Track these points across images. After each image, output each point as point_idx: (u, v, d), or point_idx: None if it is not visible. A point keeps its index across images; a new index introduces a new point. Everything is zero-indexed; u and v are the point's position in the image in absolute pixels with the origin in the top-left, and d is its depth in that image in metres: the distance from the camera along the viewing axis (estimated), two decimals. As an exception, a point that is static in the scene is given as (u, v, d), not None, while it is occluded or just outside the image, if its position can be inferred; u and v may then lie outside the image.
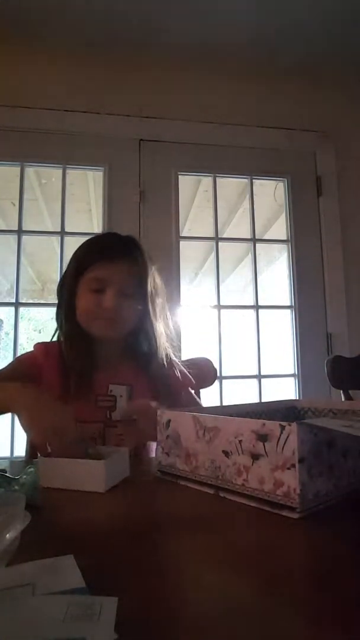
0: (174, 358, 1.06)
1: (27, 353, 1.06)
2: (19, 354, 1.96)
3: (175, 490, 0.64)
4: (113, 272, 0.95)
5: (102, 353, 1.00)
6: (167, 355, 1.04)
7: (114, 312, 0.94)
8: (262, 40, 2.06)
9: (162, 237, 2.07)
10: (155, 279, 1.03)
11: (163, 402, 0.88)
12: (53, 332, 1.06)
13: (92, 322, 0.96)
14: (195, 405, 1.03)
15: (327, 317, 2.15)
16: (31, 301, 4.84)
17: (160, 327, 1.03)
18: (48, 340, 1.05)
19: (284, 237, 2.24)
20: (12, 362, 1.08)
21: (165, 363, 1.03)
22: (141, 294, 0.98)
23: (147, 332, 1.00)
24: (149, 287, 0.99)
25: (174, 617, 0.31)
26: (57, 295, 1.04)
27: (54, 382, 0.97)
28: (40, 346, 1.04)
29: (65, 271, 1.03)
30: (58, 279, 2.19)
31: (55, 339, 1.05)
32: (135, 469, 0.77)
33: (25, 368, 1.00)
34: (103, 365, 1.00)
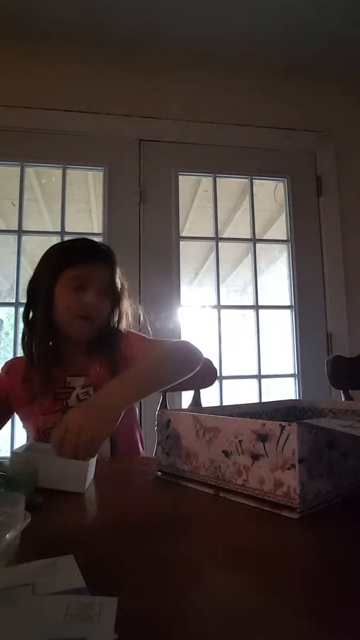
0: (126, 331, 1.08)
1: None
2: (19, 354, 1.97)
3: (175, 490, 0.64)
4: (94, 272, 0.98)
5: (68, 352, 1.03)
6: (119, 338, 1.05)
7: (94, 310, 0.97)
8: (262, 41, 2.06)
9: (162, 237, 2.07)
10: (124, 283, 1.08)
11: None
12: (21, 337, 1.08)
13: (72, 320, 0.98)
14: (148, 346, 1.03)
15: (327, 317, 2.14)
16: (31, 301, 4.83)
17: (123, 326, 1.06)
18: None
19: (284, 237, 2.24)
20: None
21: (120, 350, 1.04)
22: (115, 296, 1.03)
23: (112, 332, 1.03)
24: (119, 290, 1.04)
25: (173, 617, 0.31)
26: (27, 297, 1.04)
27: (17, 392, 1.02)
28: (4, 366, 1.10)
29: (37, 274, 1.03)
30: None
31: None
32: (136, 469, 0.77)
33: None
34: (65, 364, 1.03)
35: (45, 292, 0.99)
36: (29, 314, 1.03)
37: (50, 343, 1.01)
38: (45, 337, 1.00)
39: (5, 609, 0.31)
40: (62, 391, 1.01)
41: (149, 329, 1.18)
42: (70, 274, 0.97)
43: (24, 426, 1.08)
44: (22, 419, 1.08)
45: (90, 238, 1.10)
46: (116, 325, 1.05)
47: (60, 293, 0.98)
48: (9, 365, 1.10)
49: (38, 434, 1.00)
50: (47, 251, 1.05)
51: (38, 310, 1.01)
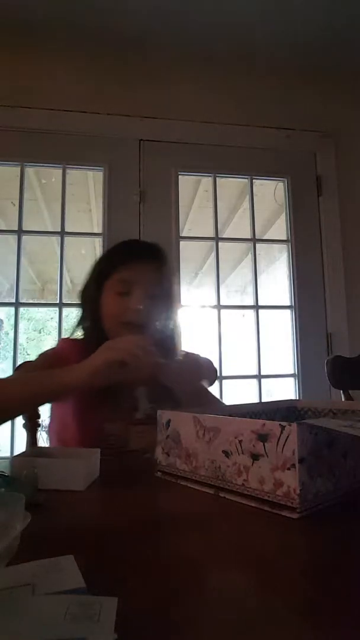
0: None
1: (52, 349, 1.05)
2: (19, 353, 1.97)
3: (175, 490, 0.63)
4: (139, 274, 0.94)
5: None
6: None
7: (140, 315, 0.92)
8: (262, 41, 2.06)
9: (162, 237, 2.06)
10: (176, 286, 1.06)
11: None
12: (59, 332, 1.06)
13: (117, 327, 0.94)
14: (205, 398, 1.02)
15: (327, 317, 2.15)
16: (31, 301, 4.84)
17: (180, 331, 1.04)
18: (46, 339, 1.06)
19: (284, 237, 2.24)
20: (37, 359, 1.05)
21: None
22: (166, 297, 0.98)
23: (172, 336, 1.00)
24: (174, 292, 1.02)
25: (173, 617, 0.31)
26: (80, 301, 1.02)
27: None
28: (67, 342, 1.03)
29: (89, 277, 1.02)
30: (58, 279, 2.19)
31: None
32: (136, 469, 0.77)
33: (54, 362, 0.97)
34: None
35: (93, 299, 0.97)
36: (83, 321, 1.01)
37: None
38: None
39: (5, 609, 0.31)
40: (127, 399, 0.96)
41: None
42: (115, 279, 0.94)
43: (51, 416, 1.03)
44: (60, 407, 1.02)
45: (139, 239, 1.05)
46: (171, 334, 1.00)
47: (105, 300, 0.95)
48: (74, 344, 1.02)
49: (98, 434, 0.95)
50: (101, 254, 1.04)
51: (89, 319, 0.98)
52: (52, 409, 1.08)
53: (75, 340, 1.04)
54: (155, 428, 0.96)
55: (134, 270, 0.94)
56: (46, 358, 1.02)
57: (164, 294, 0.97)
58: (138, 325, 0.93)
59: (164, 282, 0.97)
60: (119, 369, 0.77)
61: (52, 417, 1.07)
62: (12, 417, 1.02)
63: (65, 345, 1.03)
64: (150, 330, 0.97)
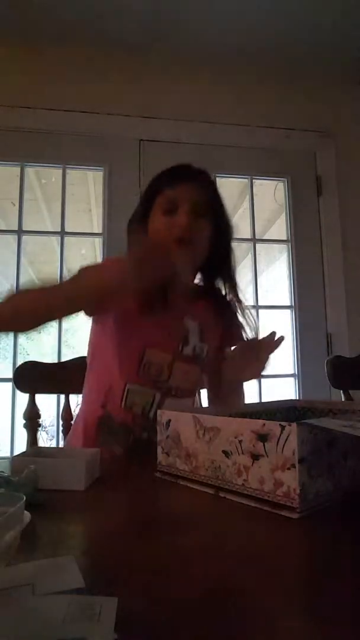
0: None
1: (96, 264, 1.00)
2: (18, 353, 1.97)
3: (175, 490, 0.63)
4: (184, 191, 0.93)
5: (175, 282, 0.94)
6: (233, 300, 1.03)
7: (186, 230, 0.90)
8: (262, 41, 2.06)
9: (162, 237, 2.07)
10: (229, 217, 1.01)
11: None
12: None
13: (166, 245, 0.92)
14: None
15: (327, 317, 2.14)
16: (31, 301, 4.82)
17: (234, 262, 1.01)
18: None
19: (284, 237, 2.24)
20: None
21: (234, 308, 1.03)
22: (215, 216, 0.96)
23: (225, 261, 0.99)
24: (225, 215, 0.99)
25: (174, 617, 0.31)
26: (128, 228, 1.02)
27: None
28: (113, 258, 1.03)
29: (135, 210, 1.01)
30: (58, 279, 2.18)
31: None
32: (135, 469, 0.78)
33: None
34: (178, 296, 0.96)
35: (141, 223, 0.96)
36: (132, 246, 0.98)
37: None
38: None
39: (5, 609, 0.31)
40: (177, 328, 0.94)
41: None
42: (160, 199, 0.94)
43: (90, 341, 1.00)
44: (100, 326, 0.98)
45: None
46: (221, 259, 0.98)
47: (152, 220, 0.95)
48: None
49: (138, 359, 0.92)
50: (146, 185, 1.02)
51: (138, 242, 0.95)
52: (91, 332, 1.02)
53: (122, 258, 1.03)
54: (200, 370, 0.97)
55: (180, 188, 0.93)
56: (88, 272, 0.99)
57: (213, 213, 0.96)
58: (187, 241, 0.91)
59: (212, 201, 0.96)
60: (149, 269, 0.75)
61: (90, 342, 1.03)
62: (50, 320, 0.98)
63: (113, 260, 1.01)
64: (196, 250, 0.95)
